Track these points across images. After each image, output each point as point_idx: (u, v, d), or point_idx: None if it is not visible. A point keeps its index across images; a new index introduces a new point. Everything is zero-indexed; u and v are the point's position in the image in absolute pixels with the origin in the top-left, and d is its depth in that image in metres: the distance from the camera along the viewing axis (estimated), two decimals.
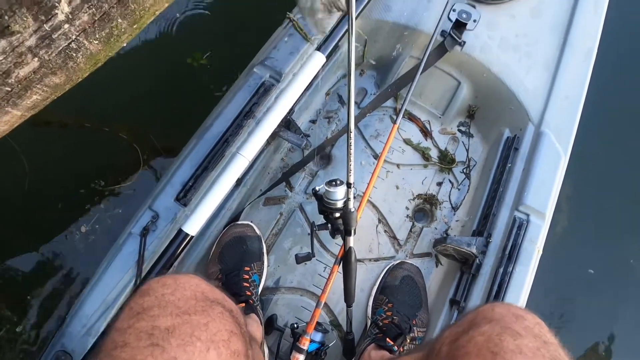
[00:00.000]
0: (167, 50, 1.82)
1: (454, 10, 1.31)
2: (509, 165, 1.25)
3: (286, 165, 1.36)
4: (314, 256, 1.03)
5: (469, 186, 1.38)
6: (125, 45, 1.04)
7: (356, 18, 1.19)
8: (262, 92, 1.21)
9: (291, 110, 1.23)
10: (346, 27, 1.21)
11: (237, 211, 1.28)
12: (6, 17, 0.75)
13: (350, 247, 0.96)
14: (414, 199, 1.36)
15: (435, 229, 1.34)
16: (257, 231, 1.26)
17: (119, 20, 0.95)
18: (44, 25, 0.81)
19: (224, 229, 1.25)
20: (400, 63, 1.39)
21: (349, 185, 0.88)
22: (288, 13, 1.27)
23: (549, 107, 1.26)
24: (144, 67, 1.79)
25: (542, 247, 1.17)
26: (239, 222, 1.26)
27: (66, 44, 0.88)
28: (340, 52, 1.37)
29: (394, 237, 1.32)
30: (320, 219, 1.01)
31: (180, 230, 1.05)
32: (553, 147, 1.22)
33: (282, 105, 1.15)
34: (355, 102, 1.44)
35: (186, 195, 1.13)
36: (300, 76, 1.16)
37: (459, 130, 1.43)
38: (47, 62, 0.87)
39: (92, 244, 1.55)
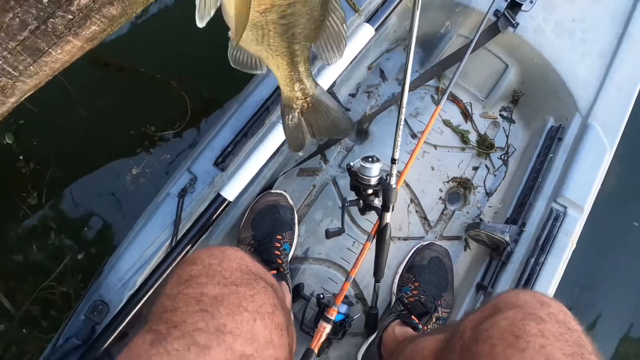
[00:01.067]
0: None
1: None
2: (551, 155, 1.22)
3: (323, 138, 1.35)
4: (344, 231, 1.05)
5: (505, 173, 1.35)
6: None
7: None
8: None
9: (333, 83, 1.22)
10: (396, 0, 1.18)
11: (272, 179, 1.29)
12: None
13: (387, 223, 0.96)
14: (448, 182, 1.34)
15: (467, 213, 1.34)
16: (290, 201, 1.27)
17: None
18: None
19: (257, 196, 1.26)
20: (447, 41, 1.35)
21: (393, 160, 0.88)
22: None
23: (600, 98, 1.22)
24: (190, 20, 1.81)
25: (576, 240, 1.16)
26: (273, 191, 1.27)
27: None
28: (387, 25, 1.34)
29: (424, 218, 1.32)
30: (351, 195, 1.02)
31: (218, 195, 1.06)
32: (599, 140, 1.18)
33: (325, 77, 1.13)
34: (397, 79, 1.41)
35: (224, 161, 1.14)
36: (346, 48, 1.14)
37: (501, 115, 1.40)
38: None
39: (141, 186, 1.63)
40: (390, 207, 0.92)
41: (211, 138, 1.16)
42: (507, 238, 1.15)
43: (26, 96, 1.01)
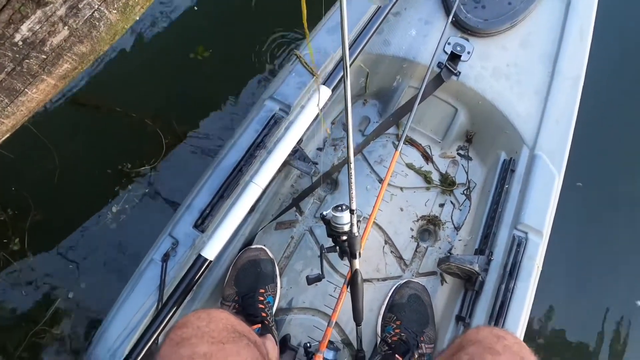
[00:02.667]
0: (174, 45, 2.02)
1: (448, 44, 1.41)
2: (507, 186, 1.32)
3: (296, 191, 1.44)
4: (323, 277, 1.10)
5: (469, 207, 1.45)
6: (137, 18, 1.15)
7: (351, 65, 1.29)
8: (273, 123, 1.30)
9: (300, 140, 1.32)
10: (350, 60, 1.31)
11: (251, 236, 1.35)
12: None
13: (356, 270, 1.02)
14: (418, 220, 1.42)
15: (440, 248, 1.41)
16: (270, 254, 1.33)
17: None
18: None
19: (238, 253, 1.32)
20: (400, 93, 1.48)
21: (351, 211, 0.95)
22: (295, 51, 1.37)
23: (542, 131, 1.34)
24: (158, 61, 2.00)
25: (541, 264, 1.23)
26: (253, 247, 1.33)
27: (90, 13, 0.98)
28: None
29: (400, 257, 1.39)
30: (329, 242, 1.08)
31: (199, 256, 1.12)
32: (547, 168, 1.29)
33: (291, 136, 1.23)
34: (359, 130, 1.53)
35: (204, 222, 1.20)
36: (307, 108, 1.25)
37: (458, 154, 1.51)
38: (75, 31, 0.97)
39: (123, 223, 1.69)
40: (357, 254, 0.98)
41: (189, 202, 1.22)
42: (476, 268, 1.22)
43: (3, 138, 1.07)
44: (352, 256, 0.98)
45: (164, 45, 2.00)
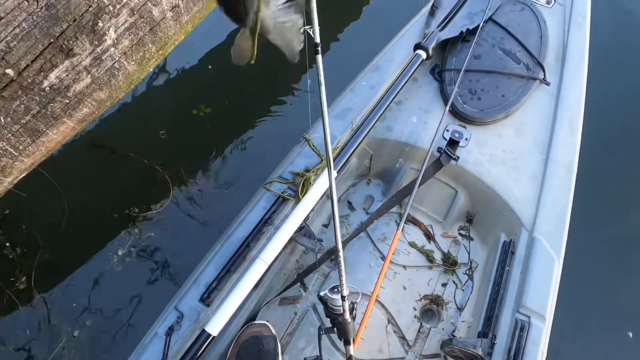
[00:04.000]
0: (178, 101, 2.20)
1: (447, 130, 1.51)
2: (507, 268, 1.35)
3: (301, 267, 1.47)
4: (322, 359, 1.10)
5: (472, 287, 1.46)
6: (151, 70, 1.26)
7: (356, 148, 1.39)
8: (281, 201, 1.37)
9: (306, 217, 1.38)
10: (355, 145, 1.41)
11: (255, 310, 1.37)
12: (71, 42, 0.95)
13: (350, 356, 1.02)
14: (420, 300, 1.43)
15: (443, 329, 1.40)
16: (273, 331, 1.33)
17: (150, 45, 1.18)
18: (97, 48, 1.01)
19: (241, 328, 1.32)
20: (402, 174, 1.57)
21: (343, 298, 0.97)
22: (304, 134, 1.48)
23: (539, 214, 1.39)
24: (165, 113, 2.18)
25: (545, 350, 1.22)
26: (256, 322, 1.34)
27: (111, 63, 1.09)
28: (349, 165, 1.56)
29: (403, 338, 1.38)
30: (328, 322, 1.09)
31: (203, 331, 1.13)
32: (546, 252, 1.33)
33: (298, 214, 1.29)
34: (364, 208, 1.59)
35: (210, 296, 1.23)
36: (314, 188, 1.33)
37: (460, 234, 1.55)
38: (97, 79, 1.07)
39: (128, 266, 1.73)
40: (350, 340, 0.99)
41: (197, 275, 1.26)
42: (479, 352, 1.21)
43: (20, 177, 1.13)
44: (345, 342, 0.99)
45: (179, 98, 2.20)
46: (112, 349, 1.55)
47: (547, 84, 1.60)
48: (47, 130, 1.10)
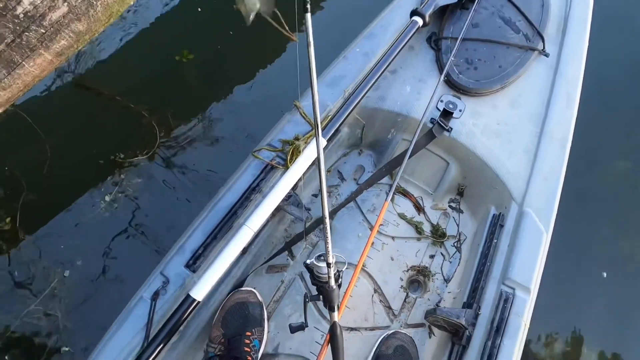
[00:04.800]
0: (163, 45, 2.18)
1: (441, 101, 1.48)
2: (495, 241, 1.35)
3: (289, 236, 1.47)
4: (307, 326, 1.10)
5: (459, 259, 1.46)
6: (132, 3, 1.20)
7: (347, 117, 1.36)
8: (269, 169, 1.35)
9: (295, 186, 1.36)
10: (346, 113, 1.38)
11: (242, 278, 1.37)
12: None
13: (334, 322, 1.03)
14: (408, 270, 1.44)
15: (429, 300, 1.41)
16: (259, 297, 1.34)
17: None
18: None
19: (228, 294, 1.33)
20: (394, 145, 1.54)
21: (328, 265, 0.97)
22: (295, 101, 1.45)
23: (530, 188, 1.38)
24: (150, 57, 2.16)
25: (528, 322, 1.23)
26: (243, 289, 1.34)
27: None
28: (340, 134, 1.53)
29: (388, 307, 1.39)
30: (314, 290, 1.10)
31: (187, 296, 1.14)
32: (535, 225, 1.32)
33: (286, 182, 1.28)
34: (354, 179, 1.57)
35: (195, 263, 1.23)
36: (303, 156, 1.31)
37: (450, 206, 1.55)
38: (74, 8, 1.02)
39: (116, 212, 1.74)
40: (335, 307, 0.99)
41: (183, 242, 1.26)
42: (463, 322, 1.22)
43: None
44: (330, 309, 0.99)
45: (165, 42, 2.17)
46: (103, 289, 1.58)
47: (546, 55, 1.55)
48: (24, 62, 1.06)
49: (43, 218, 1.72)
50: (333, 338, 1.03)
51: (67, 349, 1.54)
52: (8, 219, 1.67)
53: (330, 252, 0.91)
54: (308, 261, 1.03)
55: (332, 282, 0.96)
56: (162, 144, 1.90)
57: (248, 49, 2.19)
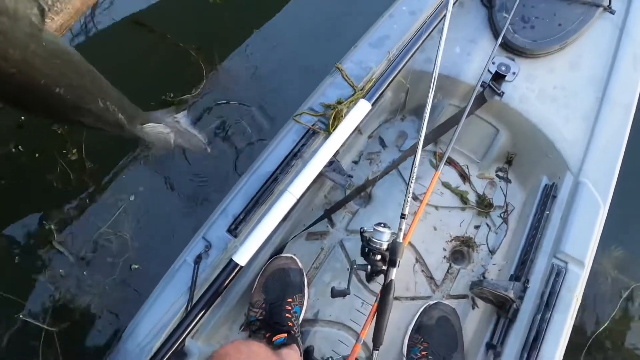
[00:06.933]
0: None
1: (493, 63, 1.38)
2: (547, 212, 1.28)
3: (329, 203, 1.44)
4: (349, 293, 1.09)
5: (506, 230, 1.40)
6: None
7: (399, 71, 1.29)
8: (311, 134, 1.31)
9: (336, 152, 1.32)
10: (391, 77, 1.31)
11: (282, 244, 1.36)
12: None
13: (391, 280, 1.01)
14: (451, 241, 1.39)
15: (472, 271, 1.37)
16: (300, 264, 1.33)
17: None
18: None
19: (268, 260, 1.32)
20: (440, 110, 1.47)
21: (402, 216, 0.96)
22: (337, 63, 1.38)
23: (588, 157, 1.29)
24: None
25: (580, 296, 1.18)
26: (283, 255, 1.33)
27: None
28: (384, 99, 1.46)
29: (430, 277, 1.36)
30: (359, 260, 1.08)
31: (230, 260, 1.13)
32: (592, 196, 1.24)
33: (328, 148, 1.23)
34: (396, 146, 1.51)
35: (237, 228, 1.22)
36: (346, 122, 1.25)
37: (497, 176, 1.47)
38: None
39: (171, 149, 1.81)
40: (397, 262, 0.97)
41: (224, 206, 1.24)
42: (511, 295, 1.17)
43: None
44: (390, 263, 0.97)
45: None
46: (165, 212, 1.71)
47: (612, 12, 1.42)
48: None
49: (106, 152, 1.82)
50: (385, 297, 1.01)
51: (136, 266, 1.65)
52: (74, 150, 1.76)
53: (408, 203, 0.90)
54: (365, 227, 1.01)
55: (401, 236, 0.97)
56: (208, 83, 1.96)
57: None
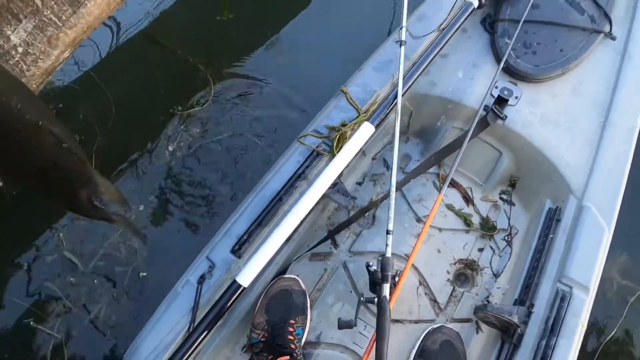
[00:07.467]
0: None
1: (496, 87, 1.40)
2: (551, 236, 1.27)
3: (332, 224, 1.44)
4: (355, 325, 1.07)
5: (510, 254, 1.40)
6: None
7: (403, 95, 1.30)
8: (315, 156, 1.32)
9: (340, 173, 1.33)
10: (394, 100, 1.33)
11: (285, 265, 1.36)
12: None
13: (384, 297, 1.00)
14: (455, 264, 1.39)
15: (476, 294, 1.36)
16: (302, 286, 1.32)
17: None
18: None
19: (271, 281, 1.32)
20: (443, 133, 1.48)
21: (388, 232, 0.96)
22: (342, 86, 1.41)
23: (591, 181, 1.29)
24: (197, 17, 2.30)
25: (586, 323, 1.16)
26: (286, 276, 1.33)
27: None
28: (387, 121, 1.48)
29: (434, 300, 1.35)
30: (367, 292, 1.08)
31: (234, 281, 1.13)
32: (596, 221, 1.24)
33: (332, 170, 1.24)
34: (400, 167, 1.52)
35: (240, 248, 1.22)
36: (350, 144, 1.27)
37: (501, 199, 1.48)
38: None
39: (180, 160, 1.90)
40: (388, 278, 0.97)
41: (228, 227, 1.25)
42: (515, 319, 1.16)
43: (66, 54, 1.16)
44: (382, 279, 0.97)
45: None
46: (174, 222, 1.75)
47: (613, 38, 1.44)
48: (86, 1, 1.11)
49: (115, 162, 1.87)
50: (380, 317, 0.99)
51: (144, 274, 1.68)
52: None
53: (392, 219, 0.94)
54: (371, 262, 1.02)
55: (389, 251, 0.99)
56: (215, 97, 2.03)
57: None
